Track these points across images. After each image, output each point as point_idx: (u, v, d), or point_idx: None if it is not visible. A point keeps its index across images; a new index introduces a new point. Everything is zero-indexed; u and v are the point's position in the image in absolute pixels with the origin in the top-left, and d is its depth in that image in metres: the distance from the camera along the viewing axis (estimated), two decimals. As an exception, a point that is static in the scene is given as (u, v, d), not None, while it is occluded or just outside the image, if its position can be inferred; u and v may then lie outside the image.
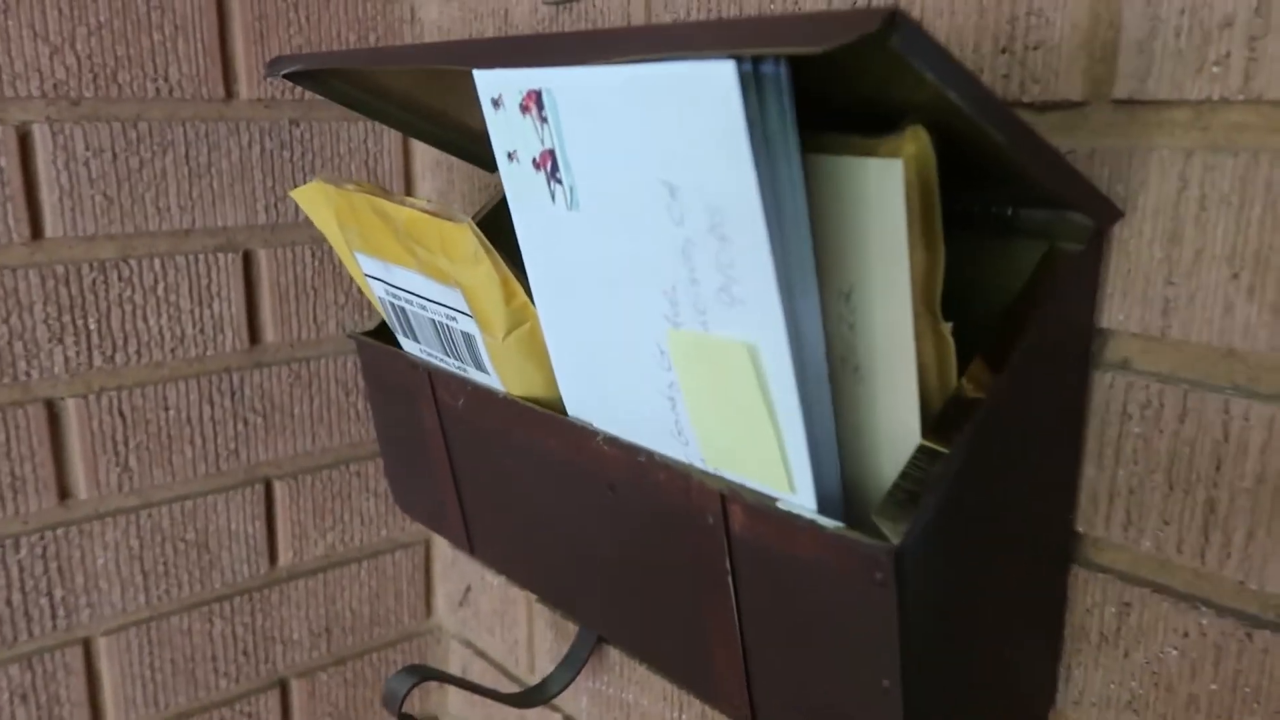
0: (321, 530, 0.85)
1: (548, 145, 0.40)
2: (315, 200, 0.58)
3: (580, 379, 0.47)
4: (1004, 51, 0.44)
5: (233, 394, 0.78)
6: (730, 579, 0.43)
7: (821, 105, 0.41)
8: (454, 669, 0.95)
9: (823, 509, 0.39)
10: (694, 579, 0.45)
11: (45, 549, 0.71)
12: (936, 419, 0.39)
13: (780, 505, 0.39)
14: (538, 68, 0.38)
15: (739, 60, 0.31)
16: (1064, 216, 0.43)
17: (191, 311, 0.75)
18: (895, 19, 0.28)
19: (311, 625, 0.86)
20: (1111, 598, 0.45)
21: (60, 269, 0.68)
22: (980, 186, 0.44)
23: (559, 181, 0.41)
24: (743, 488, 0.41)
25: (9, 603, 0.70)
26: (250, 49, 0.74)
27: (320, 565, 0.86)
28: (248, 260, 0.77)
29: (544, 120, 0.39)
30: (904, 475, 0.38)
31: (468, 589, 0.91)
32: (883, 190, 0.36)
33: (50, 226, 0.68)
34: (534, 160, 0.41)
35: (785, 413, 0.37)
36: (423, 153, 0.84)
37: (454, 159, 0.81)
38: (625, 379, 0.44)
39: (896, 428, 0.39)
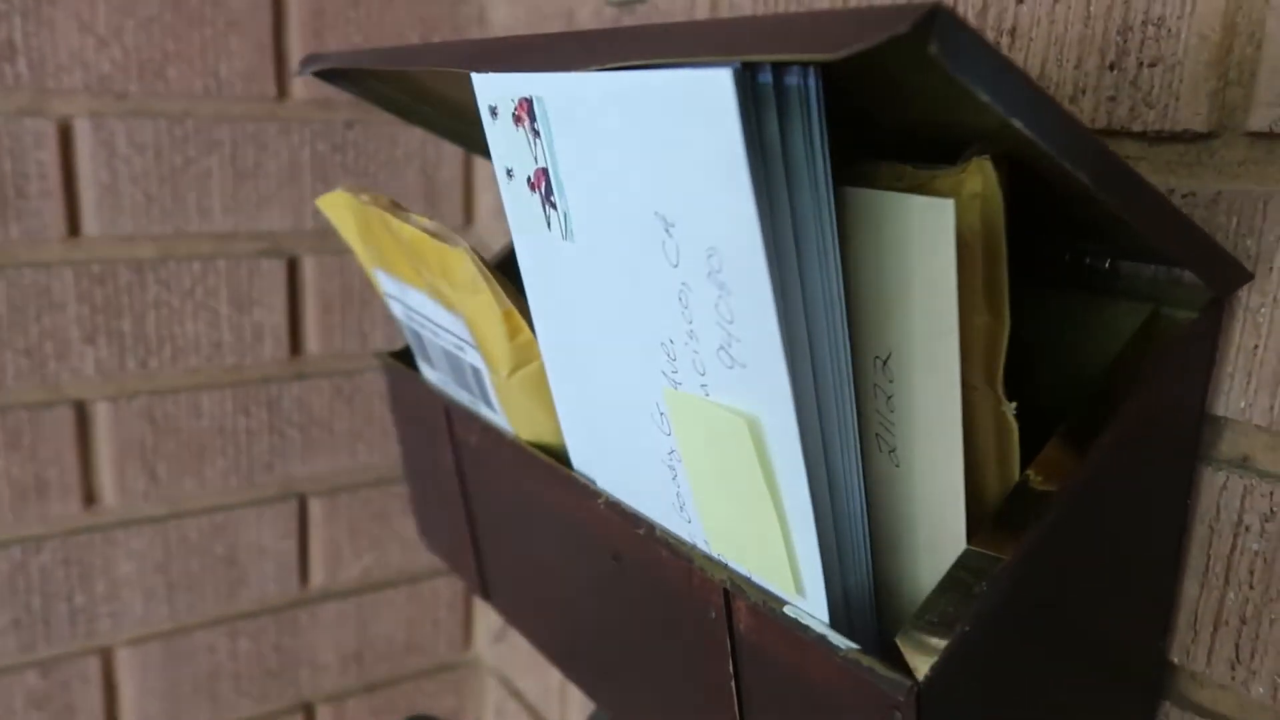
0: (357, 551, 0.81)
1: (541, 163, 0.34)
2: (340, 210, 0.54)
3: (583, 431, 0.41)
4: (1112, 68, 0.36)
5: (270, 405, 0.75)
6: (734, 684, 0.36)
7: (872, 126, 0.34)
8: (489, 709, 0.90)
9: (839, 617, 0.32)
10: (695, 671, 0.39)
11: (68, 554, 0.69)
12: (993, 517, 0.32)
13: (788, 610, 0.32)
14: (528, 72, 0.33)
15: (742, 69, 0.25)
16: (1176, 275, 0.34)
17: (230, 318, 0.72)
18: (934, 18, 0.21)
19: (341, 649, 0.82)
20: (1212, 748, 0.36)
21: (96, 268, 0.66)
22: (1069, 230, 0.36)
23: (554, 206, 0.35)
24: (748, 582, 0.34)
25: (28, 607, 0.69)
26: (306, 47, 0.70)
27: (354, 588, 0.82)
28: (293, 267, 0.74)
29: (536, 134, 0.34)
30: (939, 590, 0.30)
31: (506, 624, 0.86)
32: (930, 236, 0.28)
33: (88, 224, 0.65)
34: (529, 180, 0.35)
35: (793, 501, 0.30)
36: (484, 161, 0.80)
37: (514, 170, 0.76)
38: (626, 438, 0.38)
39: (937, 525, 0.32)
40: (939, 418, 0.30)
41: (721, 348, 0.30)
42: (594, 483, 0.42)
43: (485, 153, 0.64)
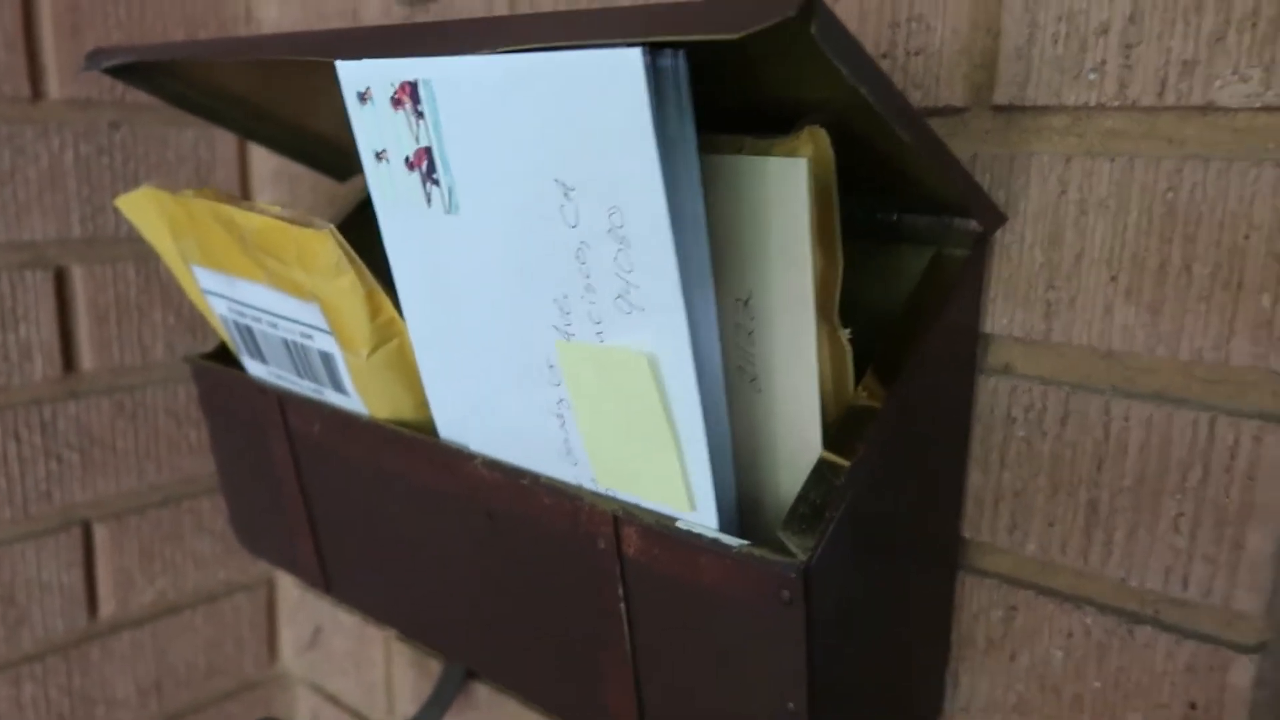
0: (150, 576, 0.77)
1: (423, 143, 0.37)
2: (145, 209, 0.53)
3: (455, 399, 0.44)
4: (884, 57, 0.44)
5: (43, 429, 0.69)
6: (623, 606, 0.41)
7: (705, 103, 0.40)
8: (302, 718, 0.88)
9: (721, 528, 0.37)
10: (581, 608, 0.43)
11: None
12: (836, 430, 0.38)
13: (680, 525, 0.37)
14: (413, 57, 0.35)
15: (645, 49, 0.29)
16: (948, 223, 0.43)
17: (-7, 336, 0.66)
18: (814, 4, 0.27)
19: (139, 681, 0.78)
20: (998, 602, 0.45)
21: None
22: (861, 191, 0.44)
23: (435, 182, 0.37)
24: (638, 508, 0.38)
25: None
26: (62, 43, 0.66)
27: (148, 614, 0.78)
28: (60, 278, 0.69)
29: (420, 115, 0.36)
30: (806, 489, 0.36)
31: (317, 630, 0.85)
32: (785, 191, 0.34)
33: None
34: (407, 160, 0.38)
35: (686, 427, 0.35)
36: (261, 161, 0.78)
37: (297, 168, 0.75)
38: (508, 397, 0.41)
39: (795, 440, 0.38)
40: (796, 347, 0.36)
41: (620, 296, 0.34)
42: (467, 447, 0.45)
43: (277, 147, 0.64)
